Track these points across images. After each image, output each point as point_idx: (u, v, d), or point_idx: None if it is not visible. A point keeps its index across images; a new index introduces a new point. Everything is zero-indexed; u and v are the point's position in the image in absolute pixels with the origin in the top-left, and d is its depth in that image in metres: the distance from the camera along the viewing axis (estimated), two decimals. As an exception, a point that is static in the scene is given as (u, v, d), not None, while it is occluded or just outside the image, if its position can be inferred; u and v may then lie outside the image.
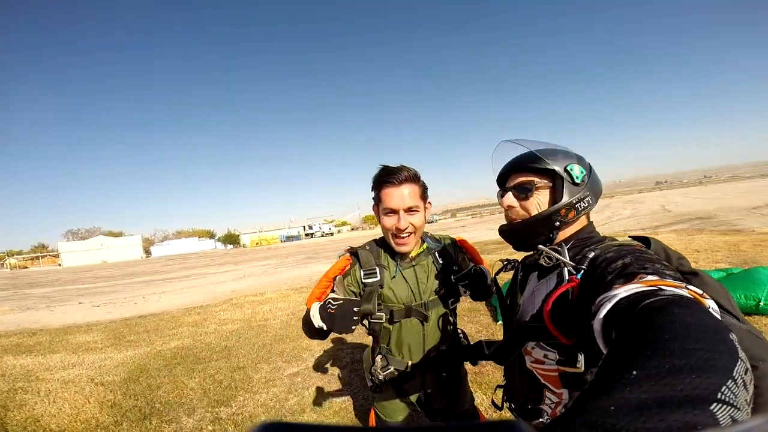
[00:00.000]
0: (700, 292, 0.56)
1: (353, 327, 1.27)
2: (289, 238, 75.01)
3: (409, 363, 1.54)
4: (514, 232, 1.06)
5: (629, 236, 0.97)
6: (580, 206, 0.99)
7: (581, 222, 1.03)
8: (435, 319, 1.53)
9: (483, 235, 18.42)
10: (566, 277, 0.88)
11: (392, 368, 1.54)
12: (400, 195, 1.38)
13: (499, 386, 1.28)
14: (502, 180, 1.11)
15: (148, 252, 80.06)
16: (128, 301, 10.78)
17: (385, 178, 1.39)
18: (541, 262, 0.98)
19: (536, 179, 1.00)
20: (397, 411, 1.65)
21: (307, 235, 79.41)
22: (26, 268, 59.60)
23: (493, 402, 1.30)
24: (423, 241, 1.57)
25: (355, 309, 1.28)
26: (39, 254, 76.57)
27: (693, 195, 30.93)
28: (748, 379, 0.35)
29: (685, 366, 0.34)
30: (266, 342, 5.06)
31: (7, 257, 69.53)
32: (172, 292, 11.85)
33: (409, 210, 1.40)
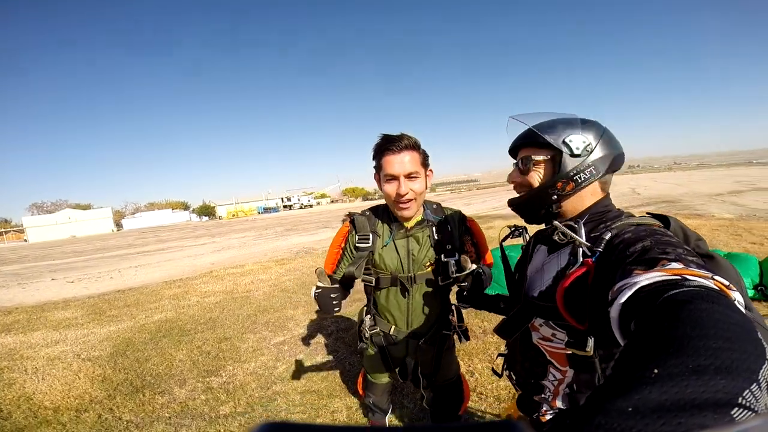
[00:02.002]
0: (727, 283, 0.53)
1: (335, 310, 1.46)
2: (266, 210, 74.17)
3: (393, 328, 1.63)
4: (517, 205, 1.07)
5: (647, 212, 0.95)
6: (580, 178, 0.95)
7: (595, 195, 0.99)
8: (419, 292, 1.58)
9: (462, 209, 18.69)
10: (580, 257, 0.86)
11: (378, 329, 1.65)
12: (401, 161, 1.41)
13: (500, 354, 1.27)
14: (514, 155, 1.10)
15: (119, 225, 77.78)
16: (104, 275, 10.62)
17: (386, 145, 1.43)
18: (555, 237, 0.97)
19: (535, 153, 1.00)
20: (382, 373, 1.78)
21: (285, 207, 78.61)
22: (-11, 244, 57.20)
23: (493, 369, 1.31)
24: (424, 212, 1.59)
25: (332, 296, 1.44)
26: (2, 230, 73.33)
27: (662, 180, 32.00)
28: None
29: (710, 366, 0.33)
30: (250, 313, 5.18)
31: (-34, 233, 66.38)
32: (149, 266, 11.73)
33: (410, 176, 1.43)
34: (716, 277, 0.54)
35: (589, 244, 0.86)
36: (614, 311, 0.58)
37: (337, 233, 1.65)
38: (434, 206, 1.64)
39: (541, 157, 0.99)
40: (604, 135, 0.97)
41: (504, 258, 1.26)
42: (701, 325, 0.39)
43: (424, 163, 1.50)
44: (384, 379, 1.79)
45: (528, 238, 1.19)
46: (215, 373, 3.48)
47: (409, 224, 1.56)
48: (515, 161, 1.07)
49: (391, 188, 1.45)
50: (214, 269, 9.35)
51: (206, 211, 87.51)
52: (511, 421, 0.23)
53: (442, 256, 1.52)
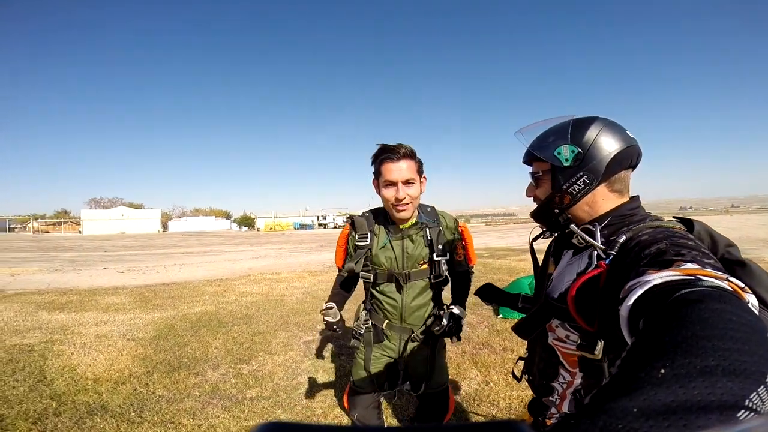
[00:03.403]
0: (742, 285, 0.52)
1: (338, 332, 1.75)
2: (302, 226, 75.81)
3: (386, 323, 1.72)
4: (534, 217, 1.09)
5: (673, 217, 0.93)
6: (574, 190, 0.94)
7: (608, 198, 0.95)
8: (413, 289, 1.69)
9: (495, 242, 18.39)
10: (594, 260, 0.85)
11: (371, 323, 1.75)
12: (399, 169, 1.53)
13: (521, 358, 1.27)
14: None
15: (165, 226, 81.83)
16: (150, 269, 11.23)
17: (385, 154, 1.56)
18: (574, 241, 0.97)
19: (538, 168, 1.02)
20: (369, 380, 1.77)
21: (320, 224, 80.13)
22: (47, 232, 61.78)
23: (513, 373, 1.32)
24: (420, 215, 1.71)
25: (335, 326, 1.72)
26: (61, 220, 79.00)
27: (715, 224, 29.90)
28: None
29: (718, 368, 0.32)
30: (283, 314, 5.34)
31: (31, 220, 71.95)
32: (192, 265, 12.29)
33: (407, 182, 1.55)
34: (731, 279, 0.53)
35: (603, 247, 0.85)
36: (624, 310, 0.57)
37: (340, 234, 1.79)
38: (428, 209, 1.76)
39: (541, 172, 1.01)
40: (597, 136, 0.91)
41: (534, 259, 1.27)
42: (711, 325, 0.38)
43: (419, 171, 1.62)
44: (370, 387, 1.79)
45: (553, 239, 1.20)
46: (246, 361, 3.61)
47: (404, 225, 1.67)
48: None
49: (389, 193, 1.56)
50: (252, 273, 9.70)
51: (246, 221, 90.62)
52: (512, 420, 0.23)
53: (434, 255, 1.67)
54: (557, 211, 0.99)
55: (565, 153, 0.93)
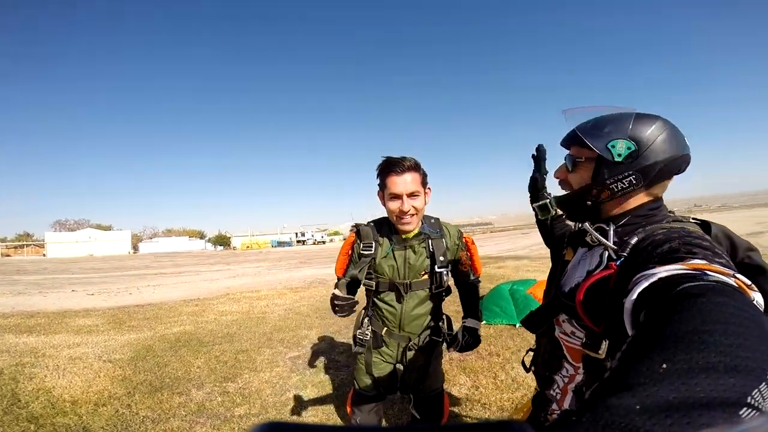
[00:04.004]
0: (748, 282, 0.52)
1: (344, 314, 1.60)
2: (280, 244, 74.70)
3: (385, 330, 1.74)
4: (561, 203, 1.06)
5: (692, 218, 0.91)
6: (617, 187, 0.89)
7: (639, 199, 0.92)
8: (413, 298, 1.71)
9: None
10: (605, 261, 0.85)
11: (371, 329, 1.76)
12: (404, 182, 1.56)
13: (530, 349, 1.28)
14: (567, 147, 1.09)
15: (136, 248, 79.15)
16: (122, 291, 10.84)
17: (391, 167, 1.58)
18: (587, 239, 0.96)
19: (579, 153, 0.96)
20: (372, 384, 1.80)
21: (299, 241, 79.09)
22: (8, 256, 58.77)
23: (522, 363, 1.32)
24: (423, 226, 1.73)
25: (344, 303, 1.57)
26: (24, 243, 75.37)
27: None
28: None
29: (720, 364, 0.32)
30: (266, 331, 5.26)
31: (-10, 245, 68.39)
32: (167, 286, 11.93)
33: (412, 195, 1.58)
34: (738, 276, 0.52)
35: (615, 248, 0.83)
36: (628, 303, 0.57)
37: (344, 242, 1.80)
38: (432, 221, 1.78)
39: (583, 159, 0.95)
40: (659, 137, 0.86)
41: (553, 241, 1.31)
42: (712, 319, 0.38)
43: (424, 182, 1.65)
44: (373, 390, 1.81)
45: (576, 226, 1.15)
46: (232, 379, 3.55)
47: (407, 236, 1.69)
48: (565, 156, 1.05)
49: (394, 205, 1.59)
50: (230, 292, 9.50)
51: (221, 241, 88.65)
52: (512, 420, 0.23)
53: (435, 266, 1.69)
54: (590, 203, 0.94)
55: (620, 148, 0.87)
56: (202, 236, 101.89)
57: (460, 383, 3.19)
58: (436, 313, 1.79)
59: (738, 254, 0.80)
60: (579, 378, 0.96)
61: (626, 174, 0.87)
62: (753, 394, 0.30)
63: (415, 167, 1.60)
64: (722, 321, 0.37)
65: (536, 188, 1.40)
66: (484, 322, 4.82)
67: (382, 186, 1.63)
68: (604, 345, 0.83)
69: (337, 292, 1.59)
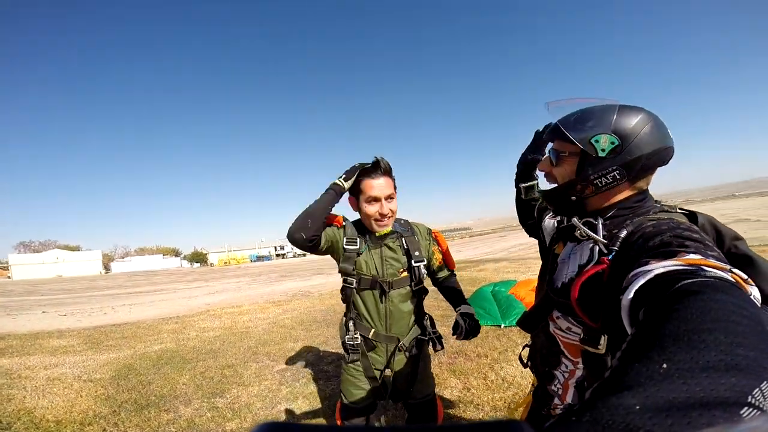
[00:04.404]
0: (745, 277, 0.52)
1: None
2: (259, 258, 73.57)
3: (372, 331, 1.73)
4: (547, 197, 1.04)
5: (679, 208, 0.91)
6: (601, 182, 0.90)
7: (625, 192, 0.92)
8: (397, 297, 1.73)
9: (454, 256, 18.87)
10: (596, 256, 0.85)
11: (358, 333, 1.74)
12: (381, 185, 1.60)
13: (526, 345, 1.28)
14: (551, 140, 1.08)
15: (107, 268, 76.53)
16: (96, 311, 10.49)
17: (367, 171, 1.62)
18: (576, 234, 0.95)
19: (563, 147, 0.96)
20: (362, 393, 1.78)
21: (278, 255, 78.05)
22: (-30, 280, 55.79)
23: (520, 358, 1.31)
24: (395, 225, 1.77)
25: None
26: (-14, 266, 71.85)
27: None
28: None
29: (720, 363, 0.32)
30: (251, 345, 5.21)
31: (-51, 268, 64.86)
32: (143, 305, 11.61)
33: (388, 197, 1.63)
34: (734, 270, 0.53)
35: (606, 242, 0.84)
36: (625, 300, 0.57)
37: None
38: (402, 221, 1.85)
39: (567, 153, 0.95)
40: (642, 131, 0.86)
41: (541, 235, 1.28)
42: (712, 317, 0.38)
43: (395, 185, 1.69)
44: (364, 402, 1.79)
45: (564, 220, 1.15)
46: (220, 395, 3.52)
47: (380, 233, 1.71)
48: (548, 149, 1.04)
49: (373, 209, 1.62)
50: (211, 309, 9.31)
51: (198, 258, 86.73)
52: (512, 420, 0.23)
53: (413, 261, 1.73)
54: (574, 198, 0.95)
55: (603, 143, 0.87)
56: (177, 254, 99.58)
57: (451, 386, 3.25)
58: (420, 312, 1.83)
59: (725, 243, 0.80)
60: (579, 373, 0.96)
61: (610, 169, 0.88)
62: (754, 393, 0.30)
63: (389, 171, 1.66)
64: (722, 319, 0.37)
65: (526, 168, 1.42)
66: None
67: (357, 191, 1.65)
68: (603, 340, 0.83)
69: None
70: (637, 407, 0.29)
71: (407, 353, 1.78)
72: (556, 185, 1.00)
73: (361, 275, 1.71)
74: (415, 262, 1.74)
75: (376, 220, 1.65)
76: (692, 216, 0.87)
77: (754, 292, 0.51)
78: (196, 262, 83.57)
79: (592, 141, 0.87)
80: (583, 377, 0.96)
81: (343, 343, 1.77)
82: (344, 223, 1.77)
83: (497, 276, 9.43)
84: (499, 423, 0.23)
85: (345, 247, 1.70)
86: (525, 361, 1.25)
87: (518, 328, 1.18)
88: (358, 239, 1.72)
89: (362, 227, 1.75)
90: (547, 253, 1.14)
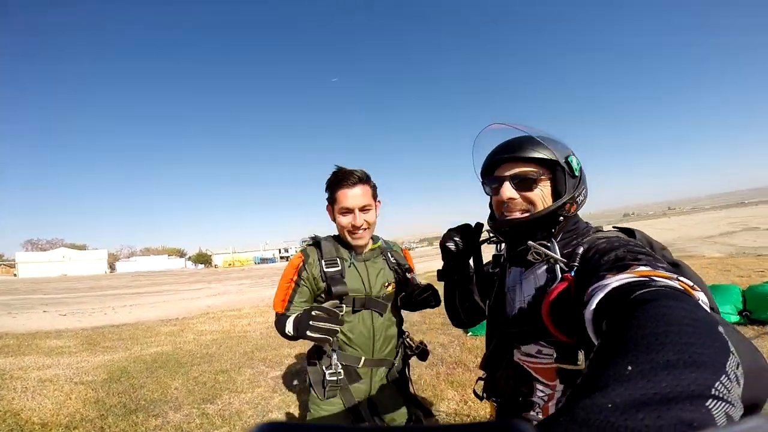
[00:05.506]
0: (691, 283, 0.56)
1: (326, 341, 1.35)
2: (263, 260, 73.72)
3: (363, 358, 1.54)
4: (518, 227, 0.96)
5: (613, 227, 0.96)
6: (580, 200, 0.95)
7: (573, 212, 0.97)
8: (385, 316, 1.59)
9: (440, 264, 18.78)
10: (559, 274, 0.86)
11: (341, 364, 1.50)
12: (355, 195, 1.49)
13: (480, 379, 1.18)
14: (491, 169, 1.01)
15: (112, 267, 76.98)
16: (97, 311, 10.50)
17: (341, 180, 1.50)
18: (529, 257, 0.93)
19: (539, 169, 0.93)
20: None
21: (282, 257, 78.15)
22: (-23, 277, 56.34)
23: (474, 392, 1.22)
24: (377, 240, 1.68)
25: (340, 316, 1.35)
26: (-7, 264, 72.58)
27: (656, 226, 33.37)
28: (739, 373, 0.36)
29: (679, 361, 0.34)
30: (247, 350, 5.14)
31: (-43, 265, 65.61)
32: (144, 306, 11.61)
33: (363, 208, 1.51)
34: (681, 278, 0.57)
35: (565, 260, 0.86)
36: (588, 313, 0.60)
37: (287, 266, 1.60)
38: (381, 238, 1.73)
39: (544, 174, 0.93)
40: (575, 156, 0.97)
41: (478, 261, 1.21)
42: (667, 322, 0.41)
43: (374, 195, 1.58)
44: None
45: (502, 248, 1.16)
46: (211, 401, 3.43)
47: (367, 249, 1.61)
48: (500, 176, 0.97)
49: (346, 220, 1.51)
50: (211, 311, 9.29)
51: (202, 259, 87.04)
52: (512, 420, 0.24)
53: (406, 273, 1.64)
54: (561, 218, 0.94)
55: (575, 163, 0.94)
56: (182, 254, 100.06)
57: (448, 398, 3.16)
58: (400, 327, 1.69)
59: (656, 253, 0.83)
60: (558, 395, 0.94)
61: (582, 188, 0.95)
62: (716, 386, 0.32)
63: (366, 179, 1.54)
64: (676, 323, 0.40)
65: (471, 244, 1.24)
66: (470, 334, 4.79)
67: (332, 200, 1.55)
68: (581, 355, 0.84)
69: (319, 311, 1.33)
70: (609, 405, 0.30)
71: (390, 378, 1.61)
72: (543, 209, 0.93)
73: (354, 296, 1.55)
74: (408, 273, 1.65)
75: (350, 231, 1.54)
76: (630, 232, 0.92)
77: (701, 297, 0.55)
78: (201, 263, 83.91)
79: (569, 160, 0.93)
80: (564, 395, 0.93)
81: (320, 382, 1.50)
82: (308, 250, 1.59)
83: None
84: (499, 423, 0.23)
85: (326, 270, 1.53)
86: (481, 394, 1.16)
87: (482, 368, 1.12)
88: (339, 258, 1.56)
89: (342, 241, 1.61)
90: (491, 290, 1.12)
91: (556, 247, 0.90)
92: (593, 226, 0.98)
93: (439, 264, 1.33)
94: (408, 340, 1.71)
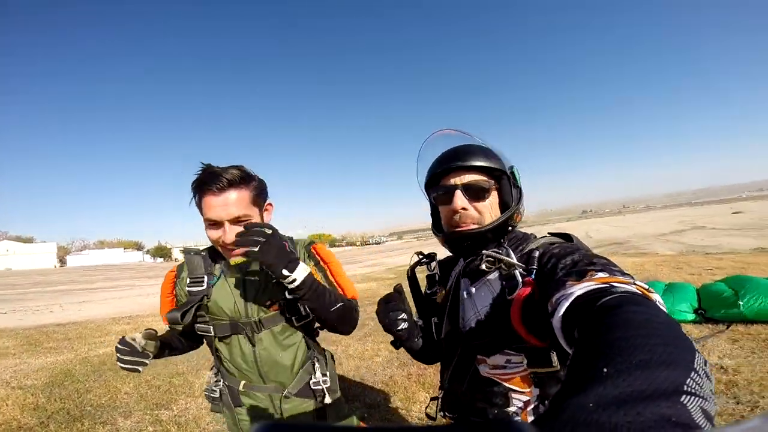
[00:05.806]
0: (646, 287, 0.60)
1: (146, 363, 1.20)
2: (225, 255, 71.76)
3: (243, 383, 1.31)
4: (469, 237, 0.94)
5: (548, 233, 0.97)
6: (522, 209, 0.99)
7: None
8: (269, 339, 1.28)
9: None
10: (519, 279, 0.84)
11: (223, 383, 1.34)
12: (223, 204, 1.15)
13: (434, 398, 1.12)
14: (437, 177, 0.99)
15: (63, 261, 72.77)
16: (42, 309, 9.83)
17: (204, 185, 1.15)
18: (483, 266, 0.91)
19: (488, 179, 0.93)
20: None
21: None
22: None
23: (426, 414, 1.14)
24: None
25: (137, 362, 1.18)
26: (-75, 257, 66.85)
27: (612, 224, 35.09)
28: (708, 369, 0.38)
29: (651, 361, 0.36)
30: (206, 351, 4.89)
31: None
32: (95, 302, 10.98)
33: (237, 220, 1.17)
34: (638, 282, 0.61)
35: (523, 265, 0.86)
36: (556, 321, 0.62)
37: (165, 279, 1.39)
38: (285, 238, 1.33)
39: (493, 185, 0.94)
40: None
41: (415, 288, 1.18)
42: (634, 326, 0.44)
43: (258, 200, 1.23)
44: None
45: (434, 267, 1.13)
46: (165, 406, 3.24)
47: (235, 263, 1.23)
48: (447, 185, 0.96)
49: (214, 235, 1.18)
50: (168, 308, 8.87)
51: (161, 252, 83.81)
52: (512, 420, 0.26)
53: (287, 293, 1.19)
54: (510, 228, 0.96)
55: (517, 173, 0.98)
56: (139, 247, 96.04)
57: (420, 400, 3.10)
58: (310, 348, 1.36)
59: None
60: (535, 398, 0.92)
61: (521, 197, 0.98)
62: (688, 382, 0.34)
63: (241, 182, 1.18)
64: (642, 326, 0.43)
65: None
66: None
67: (199, 208, 1.22)
68: (554, 357, 0.85)
69: (131, 338, 1.18)
70: (591, 405, 0.32)
71: (302, 400, 1.33)
72: (496, 220, 0.94)
73: (215, 321, 1.28)
74: (290, 294, 1.22)
75: (222, 248, 1.22)
76: (568, 237, 0.94)
77: (657, 298, 0.57)
78: (160, 257, 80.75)
79: (513, 170, 0.96)
80: (538, 401, 0.92)
81: (206, 392, 1.38)
82: (183, 264, 1.36)
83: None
84: (499, 423, 0.23)
85: (189, 290, 1.29)
86: (435, 415, 1.11)
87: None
88: (209, 275, 1.30)
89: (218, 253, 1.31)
90: (443, 309, 1.06)
91: (512, 253, 0.90)
92: (531, 234, 1.01)
93: (406, 259, 1.29)
94: (319, 365, 1.36)
